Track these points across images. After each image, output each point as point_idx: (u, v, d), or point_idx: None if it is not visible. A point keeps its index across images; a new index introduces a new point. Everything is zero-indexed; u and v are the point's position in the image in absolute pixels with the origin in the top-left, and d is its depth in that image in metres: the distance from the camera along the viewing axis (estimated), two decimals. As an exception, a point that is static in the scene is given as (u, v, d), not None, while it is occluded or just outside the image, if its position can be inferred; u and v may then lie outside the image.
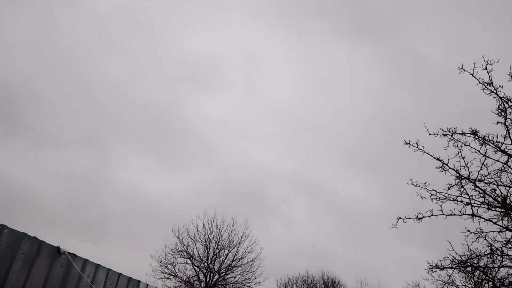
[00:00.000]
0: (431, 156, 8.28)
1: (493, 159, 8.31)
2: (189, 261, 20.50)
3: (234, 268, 20.48)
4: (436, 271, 8.87)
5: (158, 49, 45.31)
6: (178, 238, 20.55)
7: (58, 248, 6.11)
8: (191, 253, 20.47)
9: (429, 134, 8.20)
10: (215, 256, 20.54)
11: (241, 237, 21.10)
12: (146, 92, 42.50)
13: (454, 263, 8.79)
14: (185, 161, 39.15)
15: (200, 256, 20.53)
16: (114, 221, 31.41)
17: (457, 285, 12.22)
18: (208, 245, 20.67)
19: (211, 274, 20.39)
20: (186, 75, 46.33)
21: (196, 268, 20.49)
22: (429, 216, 8.42)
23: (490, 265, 9.09)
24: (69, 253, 6.20)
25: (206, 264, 20.44)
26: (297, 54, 48.16)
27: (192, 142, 41.36)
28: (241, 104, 48.39)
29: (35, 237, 5.98)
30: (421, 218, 8.46)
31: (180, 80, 46.17)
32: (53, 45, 39.06)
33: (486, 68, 7.73)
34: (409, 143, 8.40)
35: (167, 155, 39.50)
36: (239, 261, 20.52)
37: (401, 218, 8.55)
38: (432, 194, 8.45)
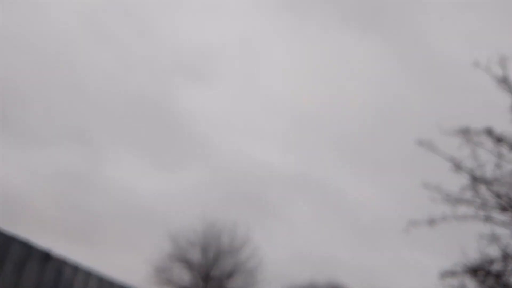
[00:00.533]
0: (445, 157, 8.00)
1: (507, 161, 8.06)
2: (186, 267, 20.03)
3: (235, 275, 19.98)
4: (448, 277, 8.59)
5: (151, 39, 44.65)
6: (175, 243, 20.08)
7: (49, 251, 5.90)
8: (188, 259, 20.01)
9: (442, 134, 7.93)
10: (214, 262, 20.05)
11: (243, 242, 20.58)
12: (139, 84, 41.83)
13: (466, 268, 8.52)
14: (180, 159, 38.59)
15: (198, 262, 20.06)
16: (105, 223, 30.85)
17: (467, 292, 11.90)
18: (207, 250, 20.19)
19: (210, 281, 19.88)
20: (181, 66, 45.54)
21: (194, 274, 20.03)
22: (441, 221, 8.15)
23: (503, 271, 8.82)
24: (60, 257, 5.97)
25: (204, 270, 19.95)
26: (299, 44, 47.55)
27: (187, 138, 40.80)
28: (239, 97, 47.77)
29: (25, 241, 5.75)
30: (433, 222, 8.19)
31: (174, 72, 45.43)
32: (40, 35, 38.43)
33: (501, 64, 7.50)
34: (422, 143, 8.13)
35: (161, 153, 38.96)
36: (240, 267, 20.00)
37: (412, 223, 8.25)
38: (444, 198, 8.19)
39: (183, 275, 19.90)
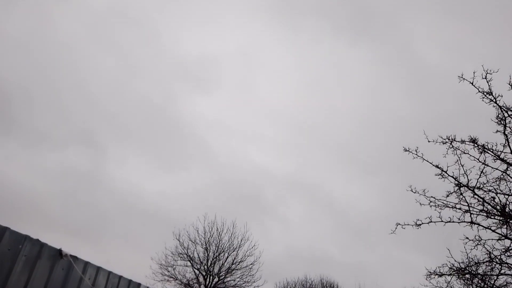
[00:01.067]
0: (430, 163, 8.33)
1: (492, 167, 8.34)
2: (189, 264, 20.57)
3: (234, 271, 20.54)
4: (434, 277, 8.89)
5: (154, 47, 45.37)
6: (179, 241, 20.64)
7: (60, 250, 6.14)
8: (191, 256, 20.54)
9: (428, 142, 8.25)
10: (215, 259, 20.60)
11: (241, 240, 21.18)
12: (142, 90, 42.58)
13: (452, 270, 8.81)
14: (182, 161, 39.19)
15: (200, 259, 20.59)
16: (111, 222, 31.41)
17: (456, 292, 12.21)
18: (208, 248, 20.74)
19: (211, 277, 20.43)
20: (182, 74, 46.34)
21: (196, 270, 20.55)
22: (427, 223, 8.46)
23: (489, 273, 9.10)
24: (70, 255, 6.23)
25: (206, 266, 20.49)
26: (293, 53, 48.23)
27: (188, 141, 41.43)
28: (237, 104, 48.38)
29: (38, 239, 6.03)
30: (420, 224, 8.49)
31: (176, 79, 46.19)
32: (47, 41, 39.12)
33: (485, 78, 7.76)
34: (408, 150, 8.44)
35: (163, 155, 39.53)
36: (238, 264, 20.59)
37: (400, 224, 8.58)
38: (431, 201, 8.48)
39: (186, 272, 20.52)
